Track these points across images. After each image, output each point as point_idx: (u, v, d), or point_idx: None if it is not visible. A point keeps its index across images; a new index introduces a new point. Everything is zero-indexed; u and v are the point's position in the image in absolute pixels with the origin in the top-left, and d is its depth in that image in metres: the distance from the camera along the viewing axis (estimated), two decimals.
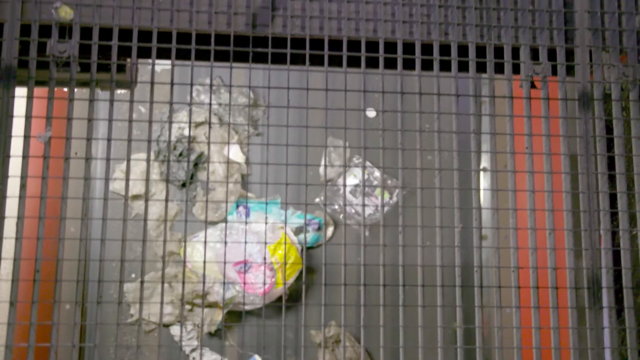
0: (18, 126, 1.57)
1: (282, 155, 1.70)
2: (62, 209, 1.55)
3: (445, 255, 1.65)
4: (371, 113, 2.90)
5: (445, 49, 1.75)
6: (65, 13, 1.61)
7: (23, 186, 1.53)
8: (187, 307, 2.87)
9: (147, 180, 1.63)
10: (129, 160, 1.60)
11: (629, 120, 1.75)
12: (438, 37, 1.74)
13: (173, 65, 1.67)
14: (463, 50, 1.76)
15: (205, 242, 1.68)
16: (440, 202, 1.67)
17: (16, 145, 1.56)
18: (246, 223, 1.76)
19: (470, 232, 1.71)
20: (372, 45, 1.74)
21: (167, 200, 1.60)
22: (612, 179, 1.74)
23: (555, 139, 1.72)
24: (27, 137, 1.56)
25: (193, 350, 2.87)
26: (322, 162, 2.97)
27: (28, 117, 1.56)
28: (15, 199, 1.52)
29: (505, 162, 1.73)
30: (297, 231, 2.96)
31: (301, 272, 2.77)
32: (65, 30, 1.64)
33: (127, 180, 1.58)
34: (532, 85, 1.75)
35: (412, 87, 1.73)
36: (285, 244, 2.85)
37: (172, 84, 1.64)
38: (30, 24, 1.61)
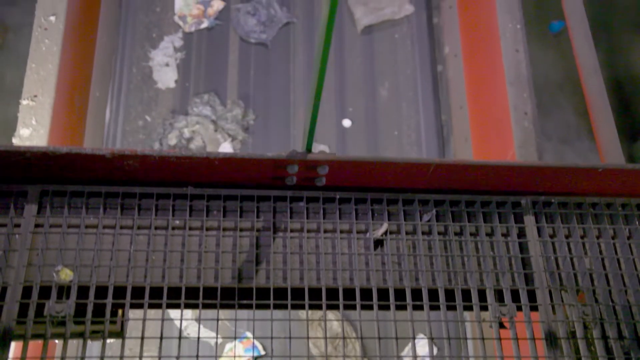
0: None
1: None
2: None
3: None
4: (347, 122, 3.30)
5: (417, 293, 1.89)
6: (66, 275, 1.75)
7: None
8: None
9: None
10: None
11: (596, 357, 1.84)
12: (409, 283, 1.89)
13: (163, 320, 1.77)
14: (434, 293, 1.90)
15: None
16: None
17: None
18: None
19: None
20: (349, 292, 1.88)
21: None
22: None
23: None
24: None
25: (186, 327, 3.01)
26: None
27: None
28: None
29: None
30: None
31: None
32: (62, 290, 1.76)
33: None
34: (501, 326, 1.87)
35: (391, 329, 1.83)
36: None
37: (161, 338, 1.73)
38: (32, 286, 1.73)
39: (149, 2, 3.55)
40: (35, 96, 2.61)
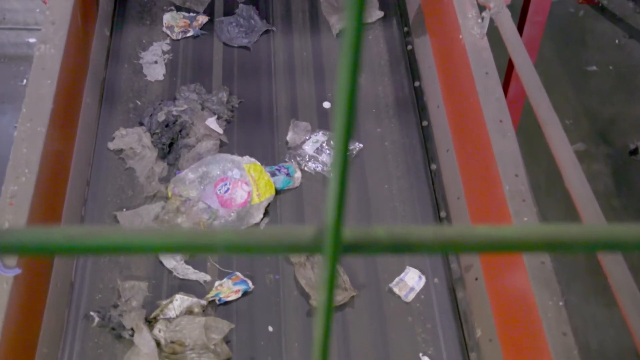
0: None
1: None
2: None
3: None
4: (327, 104, 3.67)
5: None
6: None
7: None
8: None
9: None
10: None
11: None
12: None
13: None
14: None
15: None
16: None
17: None
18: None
19: None
20: None
21: None
22: None
23: None
24: None
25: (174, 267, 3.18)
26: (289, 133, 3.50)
27: None
28: None
29: None
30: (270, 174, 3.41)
31: (273, 197, 3.25)
32: None
33: None
34: None
35: None
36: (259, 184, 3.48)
37: None
38: None
39: (140, 18, 4.10)
40: None
